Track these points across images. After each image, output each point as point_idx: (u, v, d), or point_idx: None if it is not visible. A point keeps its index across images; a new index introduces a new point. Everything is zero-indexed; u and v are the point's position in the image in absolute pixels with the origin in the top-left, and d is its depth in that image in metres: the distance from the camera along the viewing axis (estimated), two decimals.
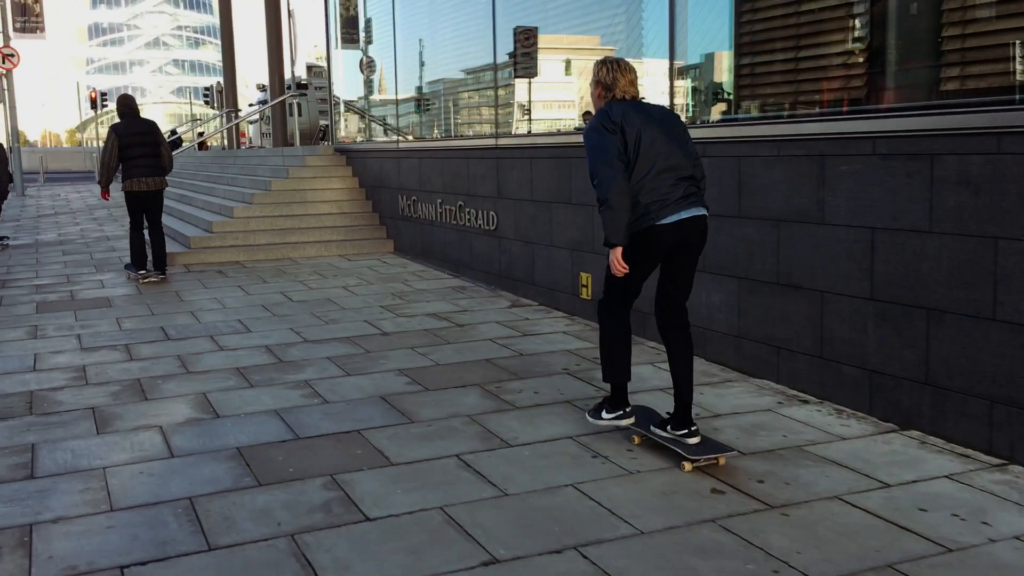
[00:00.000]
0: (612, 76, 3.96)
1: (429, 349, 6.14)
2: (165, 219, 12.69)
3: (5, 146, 14.01)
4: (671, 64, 5.92)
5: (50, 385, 5.40)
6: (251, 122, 28.90)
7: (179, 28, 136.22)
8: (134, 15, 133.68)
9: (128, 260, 9.47)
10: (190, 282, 9.01)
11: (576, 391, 5.09)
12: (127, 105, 9.06)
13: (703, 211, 3.91)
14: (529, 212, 7.73)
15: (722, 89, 5.95)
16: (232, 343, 6.42)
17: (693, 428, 3.97)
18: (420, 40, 10.74)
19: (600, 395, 4.90)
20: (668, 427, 4.04)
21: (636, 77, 4.02)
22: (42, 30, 21.01)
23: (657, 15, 6.53)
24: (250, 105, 30.15)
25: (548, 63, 8.39)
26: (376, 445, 4.27)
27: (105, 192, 9.29)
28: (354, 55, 13.21)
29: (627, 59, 4.07)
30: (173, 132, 33.87)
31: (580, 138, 7.35)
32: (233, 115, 21.72)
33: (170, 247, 10.54)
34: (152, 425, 4.61)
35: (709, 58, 6.04)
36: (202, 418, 4.72)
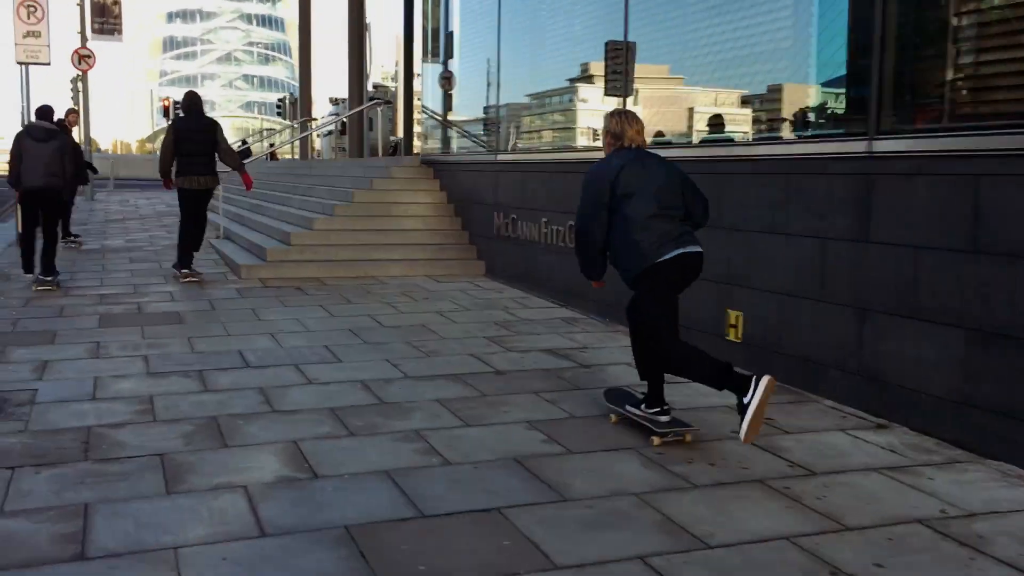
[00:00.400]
0: (621, 127, 4.34)
1: (557, 395, 5.10)
2: (237, 227, 11.95)
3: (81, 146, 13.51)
4: (880, 66, 4.83)
5: (111, 420, 4.48)
6: (323, 136, 28.42)
7: (250, 44, 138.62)
8: (208, 30, 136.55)
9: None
10: (267, 299, 8.12)
11: (764, 465, 4.00)
12: (191, 102, 9.03)
13: (699, 248, 4.26)
14: None
15: (942, 92, 4.83)
16: (322, 375, 5.46)
17: (666, 407, 4.34)
18: (524, 46, 9.81)
19: (786, 469, 3.82)
20: (643, 406, 4.38)
21: (643, 127, 4.39)
22: (119, 32, 20.65)
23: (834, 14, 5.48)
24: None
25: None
26: (527, 533, 3.22)
27: (167, 181, 9.02)
28: (434, 69, 12.38)
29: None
30: (243, 142, 33.58)
31: (735, 151, 6.32)
32: (308, 125, 21.12)
33: (246, 259, 9.72)
34: (235, 485, 3.64)
35: (919, 53, 4.95)
36: (297, 478, 3.74)
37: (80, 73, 20.12)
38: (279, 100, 33.86)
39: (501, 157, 9.68)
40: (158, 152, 10.14)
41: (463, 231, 10.47)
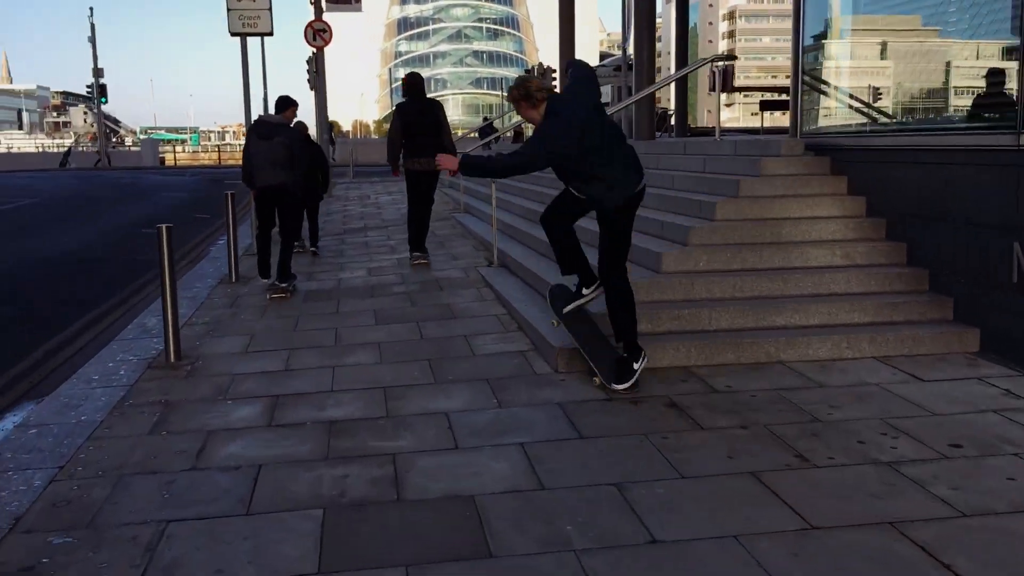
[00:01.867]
0: (523, 89, 4.63)
1: None
2: (518, 251, 8.30)
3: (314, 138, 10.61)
4: None
5: None
6: None
7: (479, 20, 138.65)
8: (438, 9, 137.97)
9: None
10: (631, 445, 4.17)
11: None
12: (413, 84, 8.88)
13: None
14: None
15: None
16: None
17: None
18: None
19: None
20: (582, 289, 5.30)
21: (534, 80, 4.80)
22: (358, 0, 17.78)
23: None
24: None
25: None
26: None
27: (396, 170, 9.05)
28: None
29: None
30: (487, 121, 30.63)
31: None
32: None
33: (556, 333, 5.87)
34: None
35: None
36: None
37: (315, 51, 17.42)
38: (526, 71, 30.58)
39: None
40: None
41: (912, 268, 6.10)
